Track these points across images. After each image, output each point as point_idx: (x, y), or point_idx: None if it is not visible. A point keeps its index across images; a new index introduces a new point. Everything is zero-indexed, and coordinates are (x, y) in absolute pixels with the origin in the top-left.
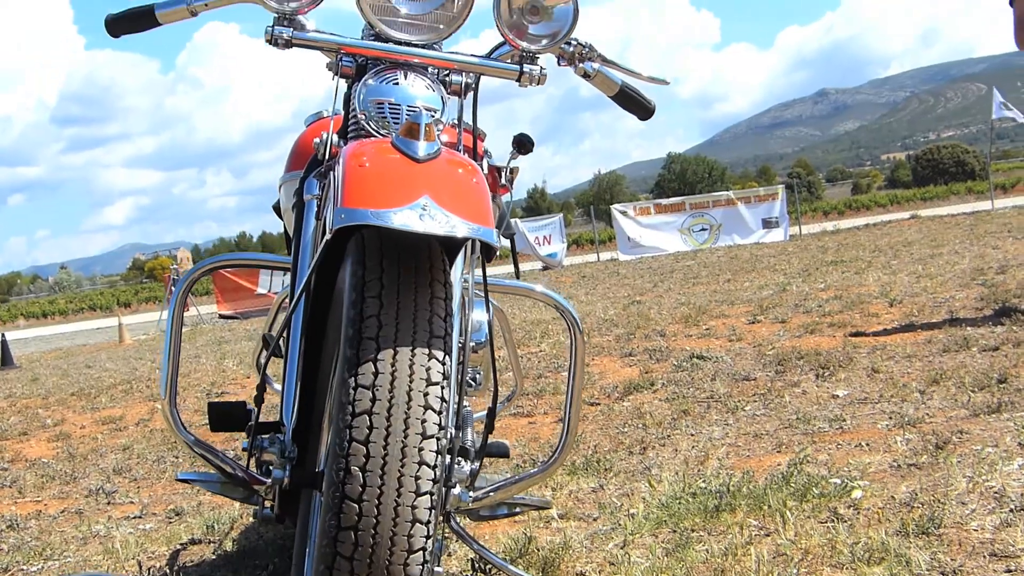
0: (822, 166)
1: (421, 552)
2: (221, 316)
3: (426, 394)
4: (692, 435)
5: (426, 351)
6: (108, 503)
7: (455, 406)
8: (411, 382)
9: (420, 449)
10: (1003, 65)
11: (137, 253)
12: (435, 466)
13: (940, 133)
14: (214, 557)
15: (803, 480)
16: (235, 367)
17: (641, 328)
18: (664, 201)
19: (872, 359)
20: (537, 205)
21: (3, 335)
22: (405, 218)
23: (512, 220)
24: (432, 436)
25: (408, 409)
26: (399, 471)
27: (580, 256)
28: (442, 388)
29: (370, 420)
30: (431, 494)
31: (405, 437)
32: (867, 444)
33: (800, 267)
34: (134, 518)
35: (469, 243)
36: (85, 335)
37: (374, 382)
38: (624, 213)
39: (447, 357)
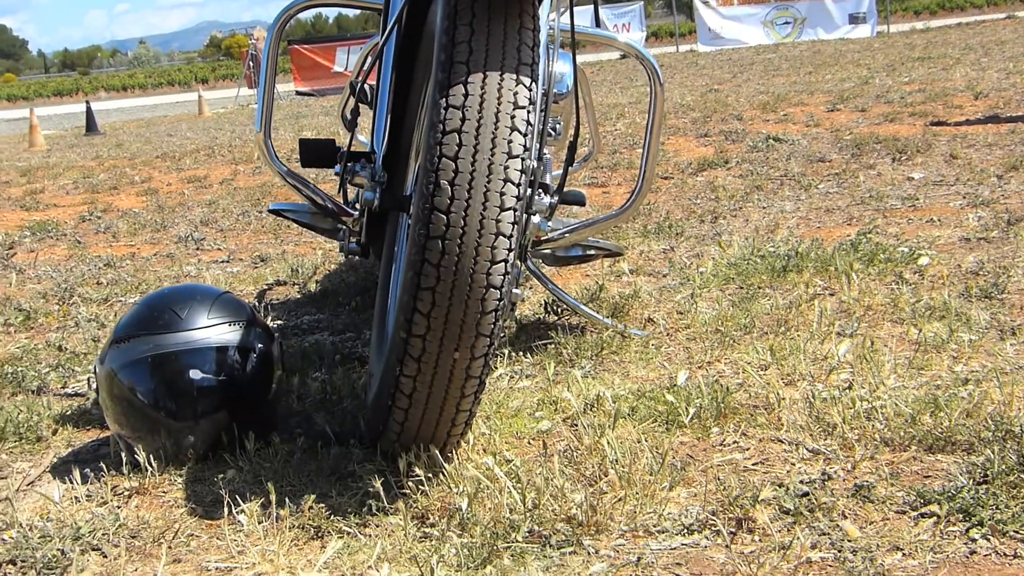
0: None
1: (503, 264)
2: (298, 93)
3: (513, 116)
4: (763, 208)
5: (514, 76)
6: (197, 249)
7: (539, 134)
8: (499, 104)
9: (505, 167)
10: None
11: (214, 31)
12: (519, 184)
13: None
14: (299, 296)
15: (871, 247)
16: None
17: (718, 112)
18: None
19: (951, 146)
20: None
21: (88, 103)
22: None
23: None
24: (517, 156)
25: (496, 129)
26: (485, 186)
27: (659, 48)
28: (528, 112)
29: (459, 138)
30: (514, 210)
31: (492, 155)
32: (939, 220)
33: (885, 63)
34: (222, 262)
35: None
36: (165, 108)
37: (464, 103)
38: (706, 3)
39: (534, 84)
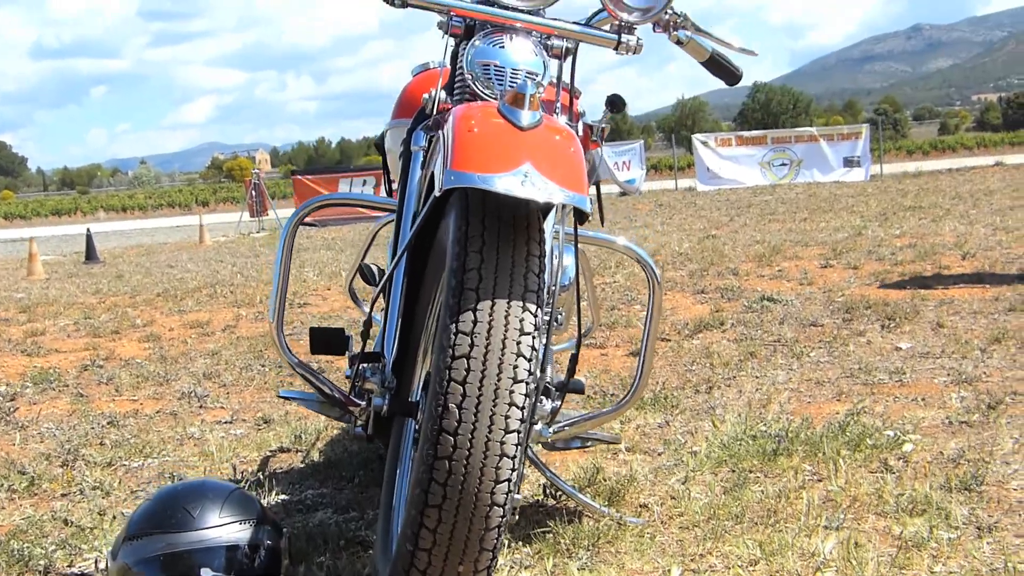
0: (910, 104)
1: (507, 483)
2: (301, 223)
3: (519, 343)
4: (757, 378)
5: (521, 304)
6: (200, 407)
7: (543, 326)
8: (506, 331)
9: (511, 392)
10: None
11: (216, 152)
12: (524, 407)
13: None
14: (302, 466)
15: (858, 430)
16: (315, 277)
17: (715, 264)
18: (746, 134)
19: (938, 313)
20: (618, 128)
21: (88, 230)
22: (508, 184)
23: (596, 152)
24: (522, 381)
25: (503, 355)
26: (491, 410)
27: (658, 182)
28: (534, 338)
29: (468, 363)
30: (518, 432)
31: (499, 380)
32: (923, 399)
33: (878, 210)
34: (225, 423)
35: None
36: (165, 232)
37: (473, 329)
38: (705, 144)
39: (539, 310)
